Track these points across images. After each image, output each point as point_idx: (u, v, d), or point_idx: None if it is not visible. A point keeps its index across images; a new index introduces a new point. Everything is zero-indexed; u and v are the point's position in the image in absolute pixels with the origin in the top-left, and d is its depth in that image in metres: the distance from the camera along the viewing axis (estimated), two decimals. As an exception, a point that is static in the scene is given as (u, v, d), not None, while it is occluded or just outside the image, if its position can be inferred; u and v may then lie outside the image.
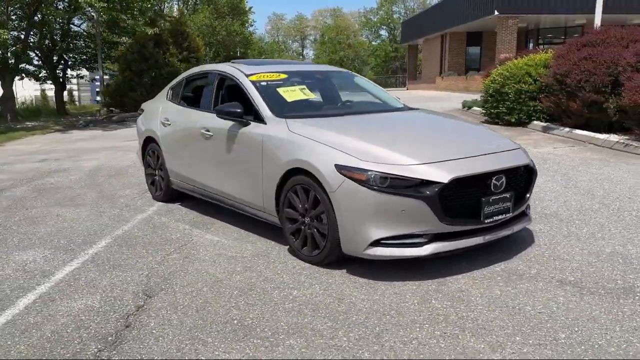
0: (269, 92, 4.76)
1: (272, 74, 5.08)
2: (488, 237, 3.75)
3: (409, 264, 3.89)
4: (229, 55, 39.50)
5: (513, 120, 12.41)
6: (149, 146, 6.44)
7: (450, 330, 2.99)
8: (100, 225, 5.53)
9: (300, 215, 4.08)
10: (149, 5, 22.15)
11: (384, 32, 68.42)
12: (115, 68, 25.18)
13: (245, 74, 4.99)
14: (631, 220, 4.95)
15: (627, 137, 9.20)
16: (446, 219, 3.49)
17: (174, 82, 6.45)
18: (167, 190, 6.07)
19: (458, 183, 3.50)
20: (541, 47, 23.17)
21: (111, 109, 22.77)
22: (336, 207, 3.67)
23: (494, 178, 3.66)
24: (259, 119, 4.51)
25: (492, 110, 12.89)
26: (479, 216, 3.64)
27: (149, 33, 21.17)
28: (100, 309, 3.45)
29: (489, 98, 13.04)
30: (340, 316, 3.21)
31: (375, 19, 69.11)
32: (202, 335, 3.05)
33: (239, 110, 4.54)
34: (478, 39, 32.80)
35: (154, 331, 3.12)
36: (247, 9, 45.11)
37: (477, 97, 15.78)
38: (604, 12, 14.09)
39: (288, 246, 4.42)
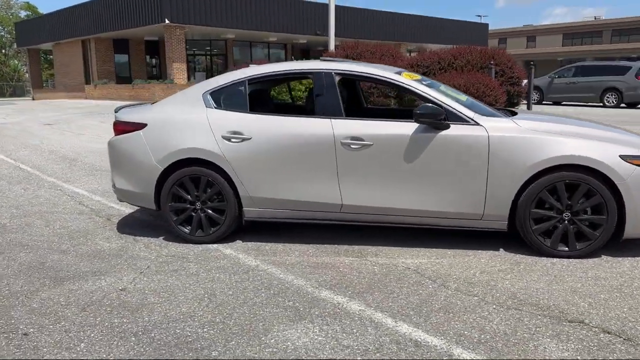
0: (443, 92, 4.27)
1: (410, 74, 4.58)
2: None
3: None
4: None
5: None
6: (184, 172, 4.43)
7: None
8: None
9: (557, 212, 3.92)
10: None
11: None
12: None
13: (394, 72, 4.45)
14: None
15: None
16: None
17: (213, 84, 4.61)
18: (229, 226, 4.37)
19: None
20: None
21: None
22: (627, 196, 3.74)
23: None
24: (460, 120, 4.06)
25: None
26: None
27: None
28: None
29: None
30: None
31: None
32: None
33: (443, 113, 3.98)
34: (125, 46, 31.91)
35: None
36: None
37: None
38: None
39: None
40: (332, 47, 15.40)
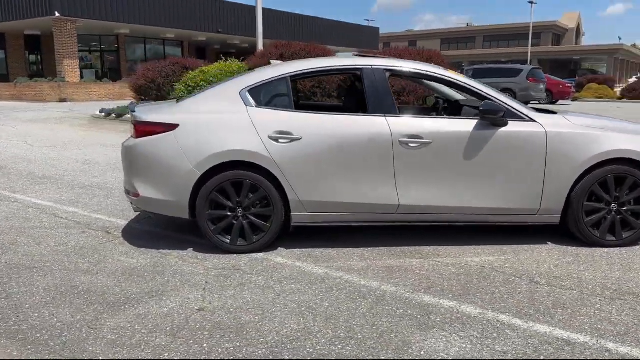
0: (495, 91, 4.29)
1: (451, 71, 4.52)
2: None
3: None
4: None
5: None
6: (225, 176, 3.99)
7: None
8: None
9: (606, 203, 4.10)
10: None
11: None
12: None
13: (443, 69, 4.43)
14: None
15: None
16: None
17: (250, 81, 4.19)
18: (275, 232, 4.06)
19: None
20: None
21: None
22: None
23: None
24: (516, 117, 4.10)
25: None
26: None
27: None
28: None
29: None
30: None
31: None
32: None
33: (503, 110, 4.01)
34: (1, 40, 28.93)
35: None
36: None
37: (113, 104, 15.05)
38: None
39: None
40: (260, 46, 15.09)
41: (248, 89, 4.16)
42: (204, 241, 4.27)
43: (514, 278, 3.61)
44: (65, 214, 5.32)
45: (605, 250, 4.13)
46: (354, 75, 4.56)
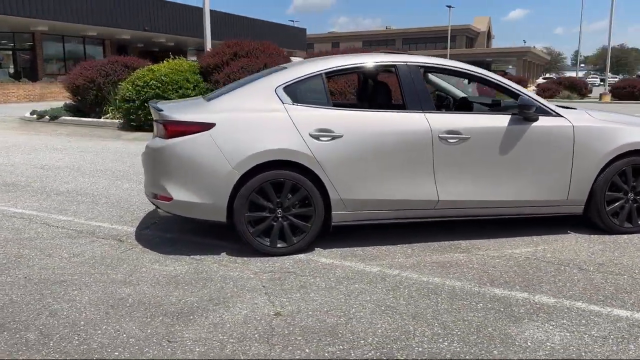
0: (522, 87, 4.42)
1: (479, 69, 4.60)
2: None
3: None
4: None
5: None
6: (265, 176, 3.85)
7: None
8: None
9: (624, 193, 4.38)
10: None
11: None
12: None
13: (476, 67, 4.51)
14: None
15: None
16: None
17: (284, 78, 4.04)
18: (315, 232, 4.01)
19: None
20: None
21: None
22: None
23: None
24: (544, 112, 4.26)
25: (145, 119, 11.98)
26: None
27: None
28: None
29: (137, 105, 12.03)
30: None
31: None
32: None
33: (536, 105, 4.17)
34: None
35: None
36: None
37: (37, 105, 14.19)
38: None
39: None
40: (209, 46, 14.67)
41: (283, 86, 4.03)
42: (227, 244, 4.14)
43: (563, 267, 3.73)
44: (58, 223, 4.89)
45: (624, 237, 4.36)
46: (387, 72, 4.52)
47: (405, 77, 4.15)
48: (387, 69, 4.45)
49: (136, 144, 10.07)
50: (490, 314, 3.01)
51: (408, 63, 4.21)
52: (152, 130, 4.39)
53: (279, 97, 3.98)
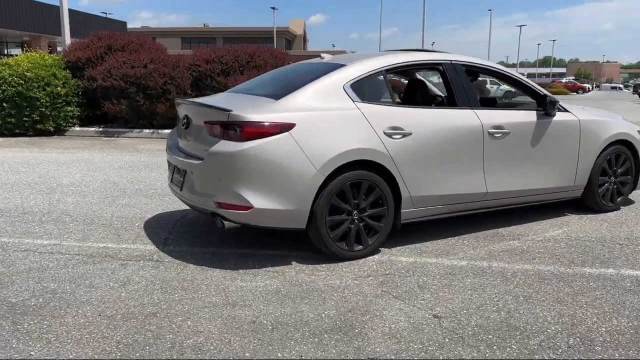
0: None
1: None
2: None
3: None
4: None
5: (51, 129, 10.66)
6: (346, 178, 3.66)
7: None
8: None
9: (609, 177, 5.08)
10: None
11: None
12: None
13: (505, 67, 4.79)
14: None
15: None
16: None
17: (349, 76, 3.83)
18: (387, 232, 3.94)
19: None
20: None
21: None
22: None
23: None
24: (559, 109, 4.73)
25: (12, 120, 10.31)
26: None
27: None
28: None
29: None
30: None
31: None
32: None
33: (558, 102, 4.66)
34: None
35: None
36: None
37: None
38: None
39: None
40: (68, 41, 13.01)
41: (350, 83, 3.86)
42: (278, 252, 3.93)
43: (607, 243, 4.21)
44: (63, 249, 4.05)
45: (611, 214, 5.05)
46: (435, 70, 4.57)
47: (452, 75, 4.27)
48: (436, 67, 4.49)
49: (14, 152, 8.56)
50: (610, 293, 3.27)
51: (453, 62, 4.34)
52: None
53: (348, 94, 3.80)
